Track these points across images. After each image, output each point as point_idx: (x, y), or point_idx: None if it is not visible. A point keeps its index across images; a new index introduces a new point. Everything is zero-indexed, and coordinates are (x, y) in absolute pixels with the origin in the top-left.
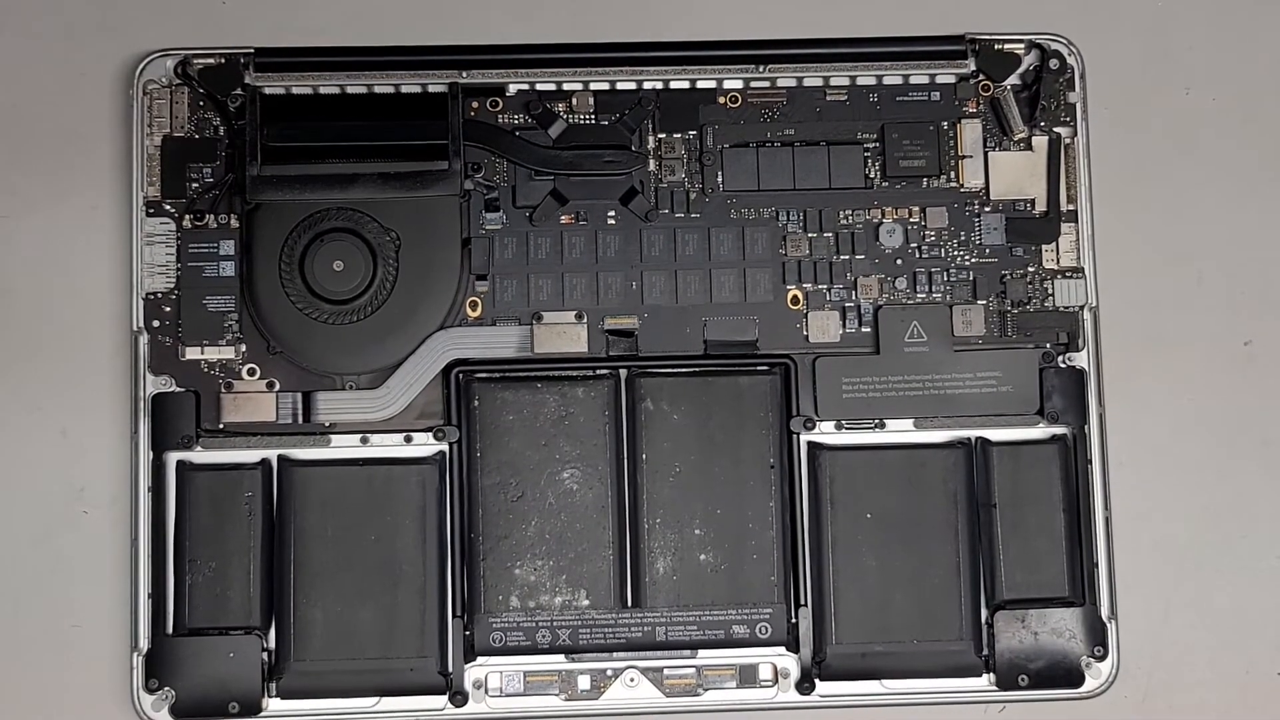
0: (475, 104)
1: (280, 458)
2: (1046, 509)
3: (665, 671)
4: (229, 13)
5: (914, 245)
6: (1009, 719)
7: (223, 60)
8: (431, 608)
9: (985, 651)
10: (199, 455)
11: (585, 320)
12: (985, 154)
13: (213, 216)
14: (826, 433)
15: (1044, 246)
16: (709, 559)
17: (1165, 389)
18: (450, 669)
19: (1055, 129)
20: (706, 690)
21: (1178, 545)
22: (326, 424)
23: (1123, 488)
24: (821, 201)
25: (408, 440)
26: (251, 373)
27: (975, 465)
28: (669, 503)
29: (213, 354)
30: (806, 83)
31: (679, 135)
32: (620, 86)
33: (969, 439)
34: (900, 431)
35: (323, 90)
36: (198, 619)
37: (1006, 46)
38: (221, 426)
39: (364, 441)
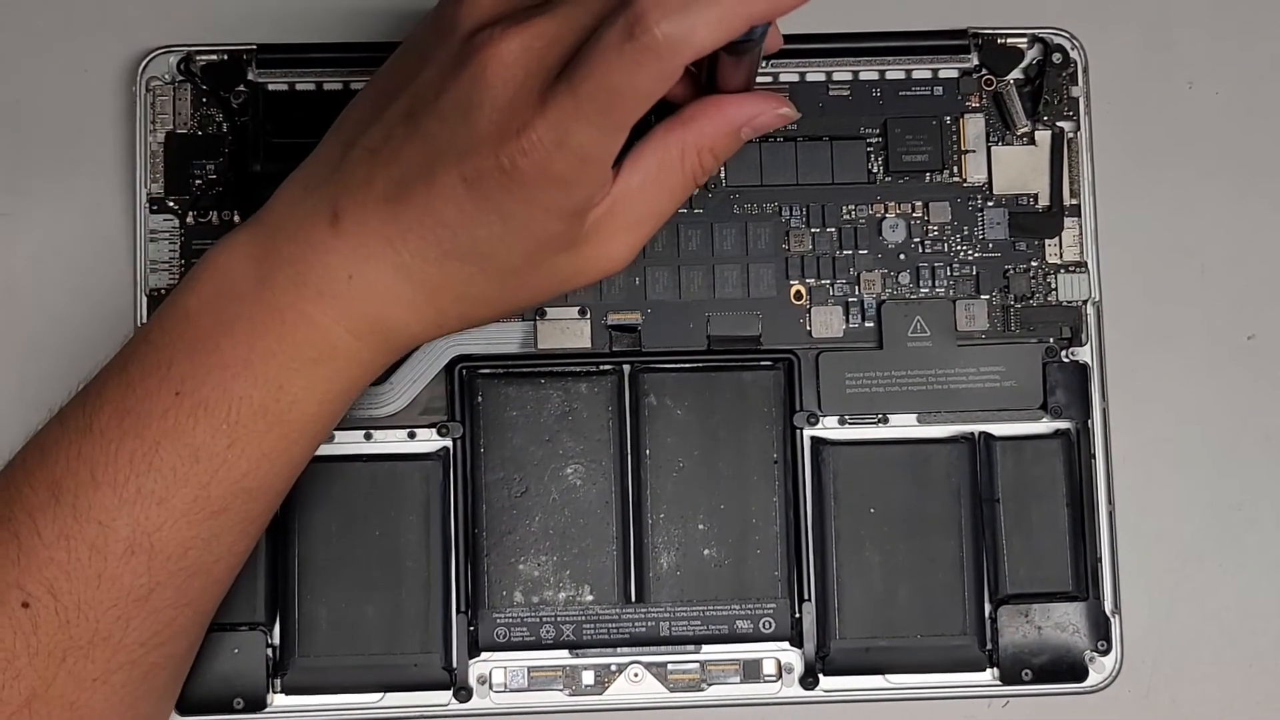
0: None
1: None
2: (1050, 504)
3: (669, 666)
4: (232, 9)
5: (917, 240)
6: (1012, 713)
7: (225, 57)
8: (435, 603)
9: (989, 646)
10: None
11: (588, 316)
12: (988, 148)
13: (216, 213)
14: (830, 428)
15: (1047, 241)
16: (712, 554)
17: (1168, 383)
18: (454, 664)
19: (1058, 123)
20: (710, 685)
21: (1181, 539)
22: None
23: (1126, 482)
24: (824, 197)
25: (411, 436)
26: None
27: (978, 460)
28: (672, 498)
29: None
30: (809, 78)
31: None
32: None
33: (972, 434)
34: (903, 427)
35: (327, 87)
36: None
37: (1009, 41)
38: None
39: (368, 438)
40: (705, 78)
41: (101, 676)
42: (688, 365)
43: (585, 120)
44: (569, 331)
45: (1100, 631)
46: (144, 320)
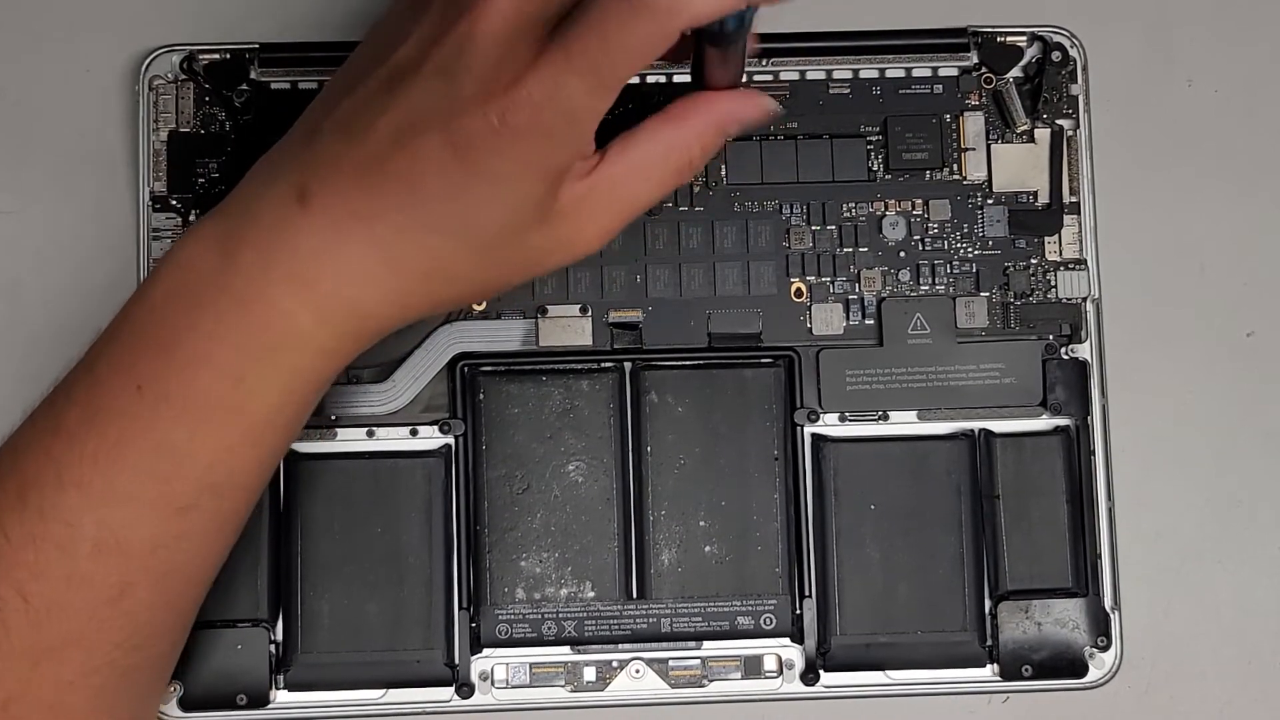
0: None
1: (287, 451)
2: (1049, 500)
3: (670, 663)
4: (234, 8)
5: (917, 238)
6: (1012, 709)
7: (228, 56)
8: (438, 600)
9: (989, 642)
10: None
11: (590, 313)
12: (988, 146)
13: None
14: (830, 425)
15: (1046, 238)
16: (714, 551)
17: (1168, 380)
18: (456, 661)
19: (1058, 121)
20: (711, 681)
21: (1180, 536)
22: (332, 417)
23: (1125, 479)
24: (825, 194)
25: (413, 434)
26: None
27: (978, 457)
28: (674, 495)
29: None
30: (809, 76)
31: None
32: None
33: (972, 431)
34: (904, 424)
35: None
36: (205, 612)
37: (1008, 39)
38: None
39: (370, 435)
40: (693, 75)
41: (78, 679)
42: (689, 362)
43: (576, 74)
44: (570, 329)
45: (1100, 628)
46: None
